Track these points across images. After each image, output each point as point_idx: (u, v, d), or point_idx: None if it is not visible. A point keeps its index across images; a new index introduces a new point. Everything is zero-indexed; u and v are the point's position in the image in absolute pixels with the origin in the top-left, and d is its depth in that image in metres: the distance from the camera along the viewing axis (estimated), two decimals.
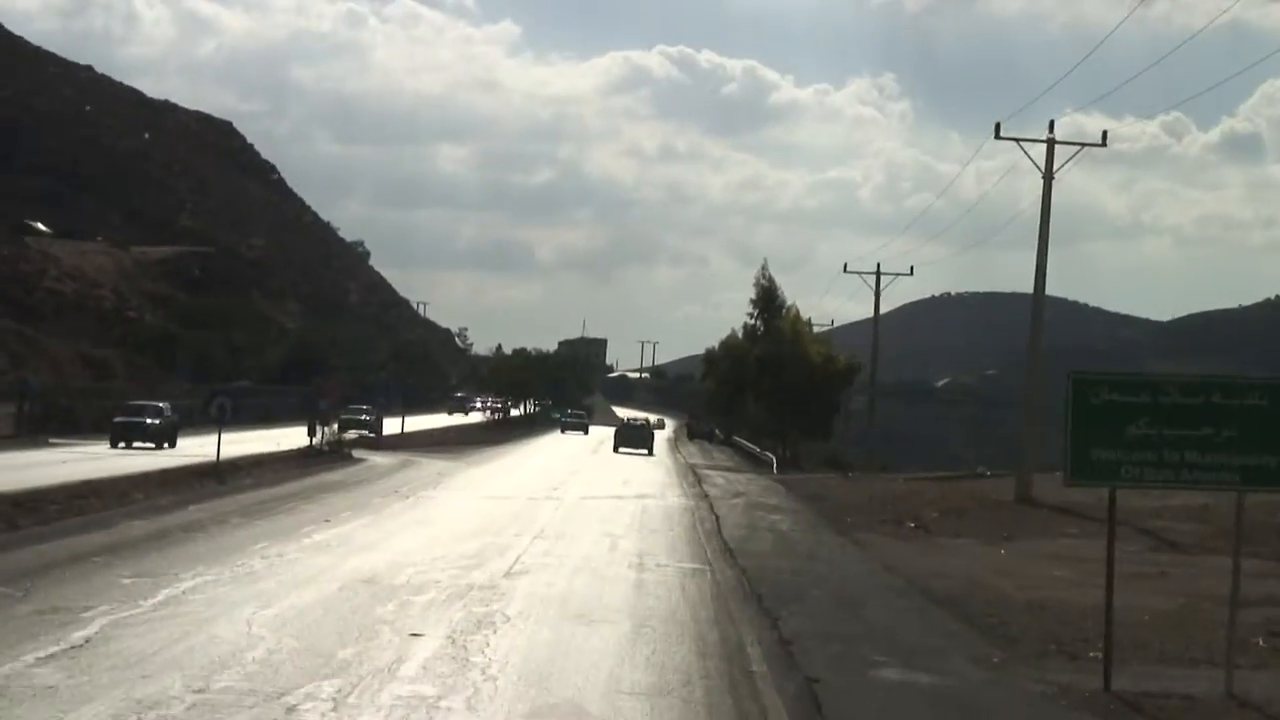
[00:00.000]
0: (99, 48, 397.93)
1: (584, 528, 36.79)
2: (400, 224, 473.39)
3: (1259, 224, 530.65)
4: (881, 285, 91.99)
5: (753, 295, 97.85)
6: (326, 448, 63.25)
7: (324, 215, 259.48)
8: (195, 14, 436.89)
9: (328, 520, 34.61)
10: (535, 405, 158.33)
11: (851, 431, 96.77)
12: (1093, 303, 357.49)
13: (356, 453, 65.59)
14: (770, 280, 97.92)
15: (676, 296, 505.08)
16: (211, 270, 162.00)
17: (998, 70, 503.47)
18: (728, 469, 79.88)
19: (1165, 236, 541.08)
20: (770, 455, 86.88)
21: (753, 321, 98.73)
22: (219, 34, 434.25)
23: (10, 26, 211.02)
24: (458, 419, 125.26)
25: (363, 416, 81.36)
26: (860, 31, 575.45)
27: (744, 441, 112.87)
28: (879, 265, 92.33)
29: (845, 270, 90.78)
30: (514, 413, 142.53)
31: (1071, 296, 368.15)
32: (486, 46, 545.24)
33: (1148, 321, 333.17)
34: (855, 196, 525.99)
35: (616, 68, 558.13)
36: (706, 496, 52.84)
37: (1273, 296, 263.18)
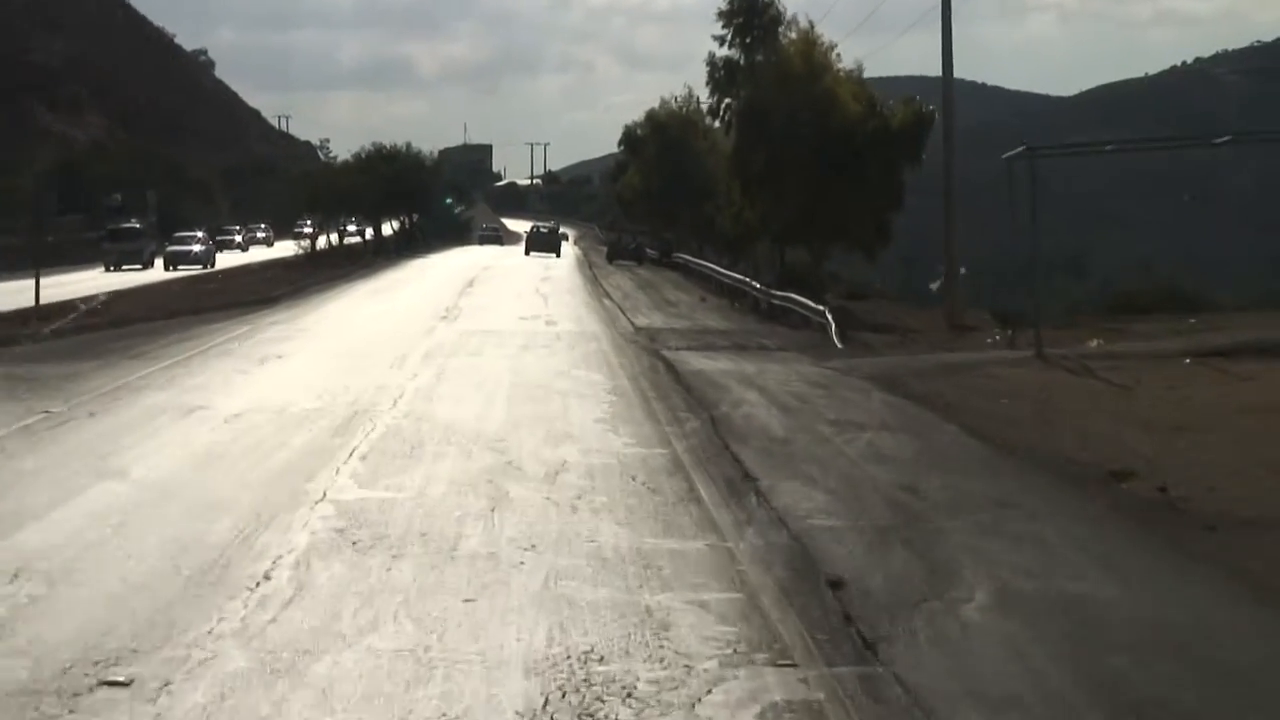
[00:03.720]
0: None
1: None
2: (278, 47, 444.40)
3: None
4: None
5: (722, 4, 54.03)
6: None
7: (197, 43, 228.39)
8: None
9: None
10: (397, 224, 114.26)
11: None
12: (990, 82, 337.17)
13: None
14: None
15: (564, 103, 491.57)
16: None
17: None
18: (729, 342, 37.72)
19: (1050, 13, 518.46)
20: (814, 305, 42.27)
21: (727, 50, 54.85)
22: None
23: None
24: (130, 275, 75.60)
25: None
26: None
27: (702, 263, 69.90)
28: None
29: None
30: (346, 240, 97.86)
31: (969, 77, 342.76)
32: None
33: (1051, 98, 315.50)
34: None
35: None
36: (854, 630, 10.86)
37: (1179, 64, 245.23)
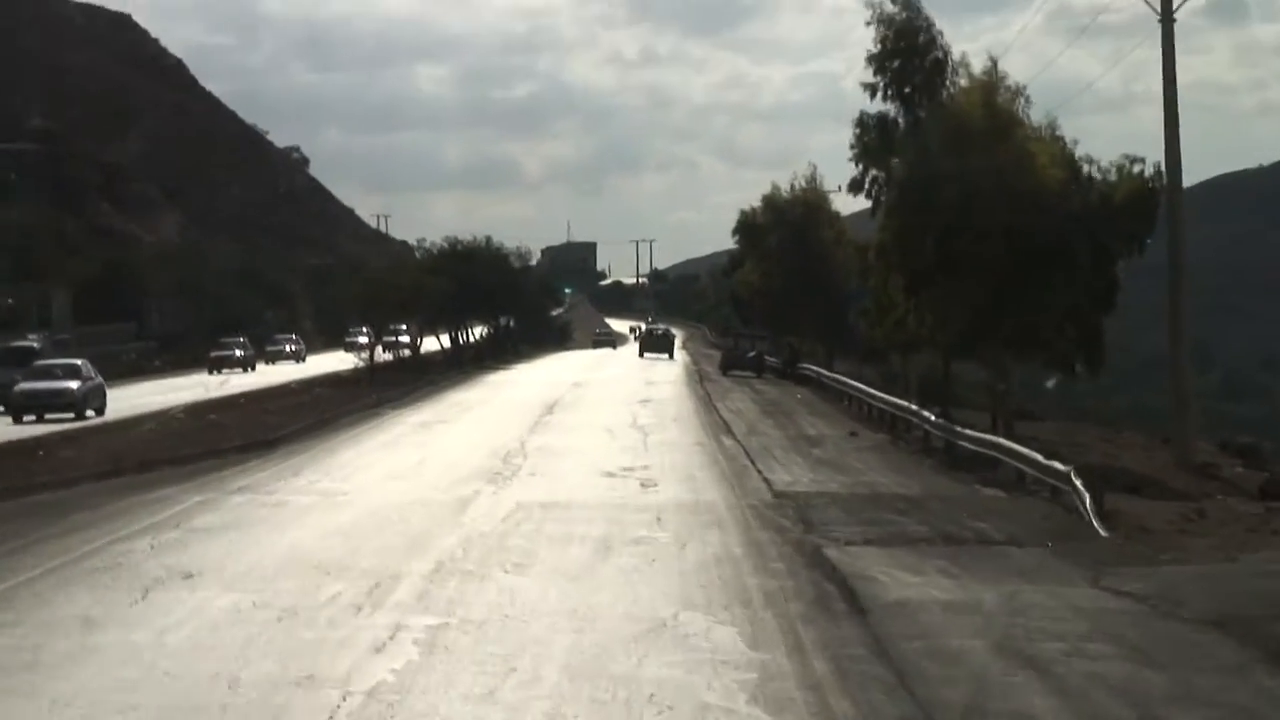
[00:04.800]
0: None
1: None
2: (383, 149, 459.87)
3: (1247, 87, 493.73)
4: None
5: (872, 46, 40.80)
6: None
7: (306, 148, 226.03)
8: None
9: None
10: (477, 332, 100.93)
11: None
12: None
13: None
14: (911, 7, 40.66)
15: (668, 202, 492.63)
16: (40, 175, 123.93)
17: None
18: (926, 526, 24.46)
19: (1154, 106, 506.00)
20: (1045, 463, 27.39)
21: (881, 103, 41.37)
22: None
23: None
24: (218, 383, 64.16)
25: None
26: None
27: (843, 380, 56.82)
28: None
29: None
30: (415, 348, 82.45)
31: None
32: None
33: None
34: (840, 88, 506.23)
35: None
36: None
37: None
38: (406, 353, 74.94)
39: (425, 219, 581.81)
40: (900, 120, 40.98)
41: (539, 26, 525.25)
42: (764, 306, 79.62)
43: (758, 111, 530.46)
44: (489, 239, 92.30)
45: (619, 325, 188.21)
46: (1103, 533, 22.72)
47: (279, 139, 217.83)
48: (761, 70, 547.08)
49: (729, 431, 41.16)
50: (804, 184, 76.61)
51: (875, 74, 40.96)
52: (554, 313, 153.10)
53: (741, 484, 29.33)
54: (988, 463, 31.68)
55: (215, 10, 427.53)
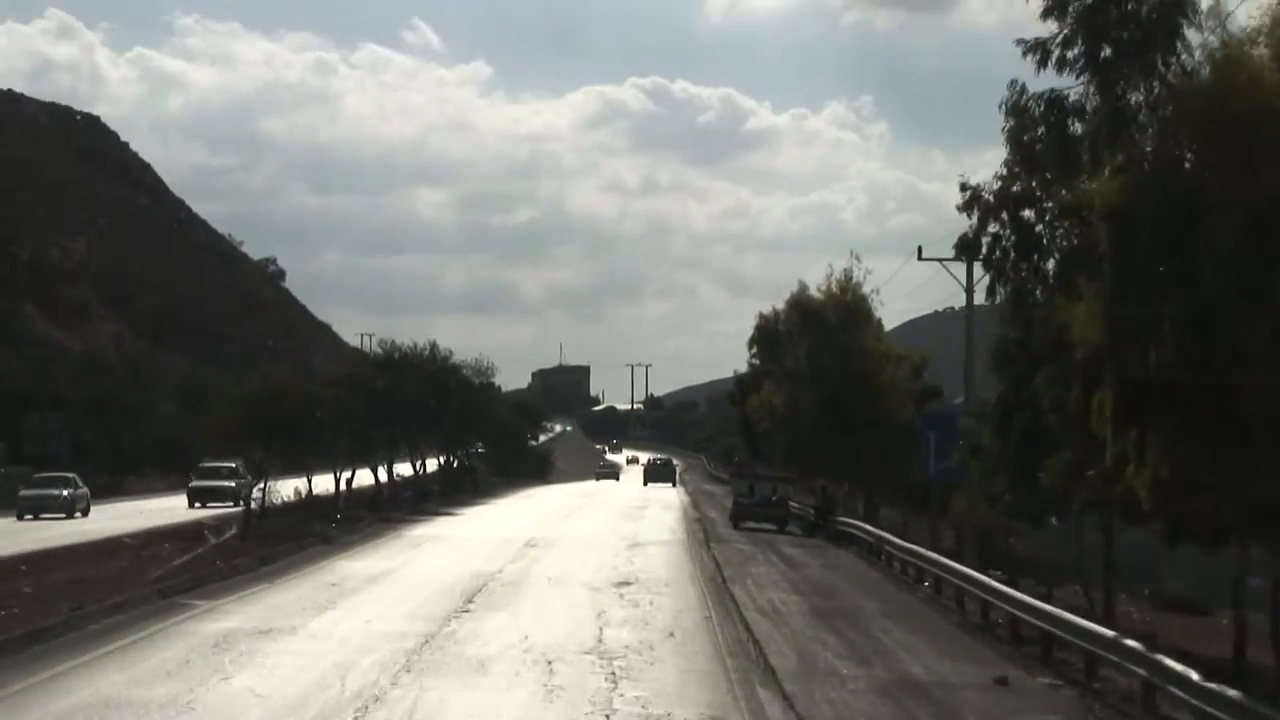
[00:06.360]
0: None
1: None
2: (383, 272, 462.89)
3: None
4: None
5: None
6: None
7: (301, 268, 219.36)
8: (162, 71, 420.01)
9: None
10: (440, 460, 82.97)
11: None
12: None
13: None
14: None
15: (667, 329, 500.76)
16: None
17: (976, 84, 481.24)
18: None
19: None
20: None
21: (1055, 74, 22.86)
22: (187, 90, 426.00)
23: None
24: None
25: None
26: (834, 54, 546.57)
27: (923, 554, 38.45)
28: None
29: None
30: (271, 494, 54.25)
31: None
32: (458, 88, 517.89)
33: None
34: (839, 219, 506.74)
35: (590, 102, 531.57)
36: None
37: None
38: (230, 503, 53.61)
39: (421, 339, 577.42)
40: (1087, 106, 22.56)
41: (540, 153, 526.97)
42: (786, 439, 61.24)
43: (758, 241, 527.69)
44: (433, 345, 71.10)
45: (612, 456, 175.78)
46: None
47: (278, 263, 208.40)
48: (762, 201, 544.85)
49: (768, 668, 22.52)
50: (840, 279, 58.81)
51: (1046, 15, 22.44)
52: (534, 441, 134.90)
53: None
54: None
55: (218, 133, 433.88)
